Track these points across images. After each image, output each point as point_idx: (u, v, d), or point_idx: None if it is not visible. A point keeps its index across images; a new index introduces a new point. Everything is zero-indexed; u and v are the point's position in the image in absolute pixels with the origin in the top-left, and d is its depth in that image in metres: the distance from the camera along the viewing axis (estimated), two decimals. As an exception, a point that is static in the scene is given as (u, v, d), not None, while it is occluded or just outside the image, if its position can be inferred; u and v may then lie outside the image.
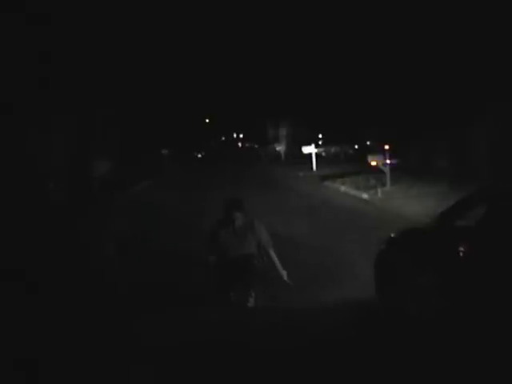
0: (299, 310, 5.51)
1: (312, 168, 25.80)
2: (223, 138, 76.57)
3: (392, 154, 16.01)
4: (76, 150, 18.60)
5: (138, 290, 6.07)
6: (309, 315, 5.37)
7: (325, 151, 36.46)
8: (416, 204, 12.11)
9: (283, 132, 46.20)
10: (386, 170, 15.64)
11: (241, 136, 72.78)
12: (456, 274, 4.42)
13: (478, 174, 14.44)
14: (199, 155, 58.04)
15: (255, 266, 5.36)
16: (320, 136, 40.57)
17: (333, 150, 36.90)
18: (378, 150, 17.86)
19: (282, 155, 43.17)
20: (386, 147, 15.58)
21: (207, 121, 65.46)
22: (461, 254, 4.35)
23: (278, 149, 45.46)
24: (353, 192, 16.15)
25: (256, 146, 58.90)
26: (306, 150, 28.77)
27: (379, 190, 14.81)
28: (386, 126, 22.67)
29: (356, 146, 35.70)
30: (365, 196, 14.98)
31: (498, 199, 4.65)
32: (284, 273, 5.45)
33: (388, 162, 15.66)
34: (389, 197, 13.98)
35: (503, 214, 4.37)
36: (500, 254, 4.12)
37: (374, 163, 16.16)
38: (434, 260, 4.61)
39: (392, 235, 5.41)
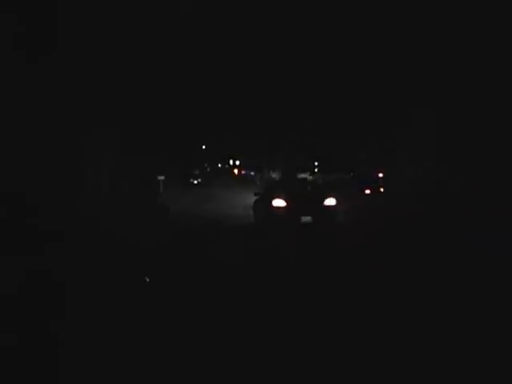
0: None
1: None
2: (219, 165, 76.64)
3: (386, 181, 15.83)
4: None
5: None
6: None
7: (322, 178, 36.40)
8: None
9: (280, 159, 46.20)
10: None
11: (237, 163, 72.82)
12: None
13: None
14: (195, 181, 57.76)
15: None
16: (316, 164, 40.52)
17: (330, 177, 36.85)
18: (372, 178, 17.68)
19: (278, 182, 42.97)
20: (380, 175, 15.44)
21: (203, 147, 65.64)
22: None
23: (273, 176, 45.37)
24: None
25: (252, 173, 58.82)
26: (300, 177, 28.59)
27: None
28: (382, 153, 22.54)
29: (352, 174, 35.60)
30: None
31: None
32: None
33: (382, 190, 15.49)
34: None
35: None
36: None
37: (367, 191, 16.02)
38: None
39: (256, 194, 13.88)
